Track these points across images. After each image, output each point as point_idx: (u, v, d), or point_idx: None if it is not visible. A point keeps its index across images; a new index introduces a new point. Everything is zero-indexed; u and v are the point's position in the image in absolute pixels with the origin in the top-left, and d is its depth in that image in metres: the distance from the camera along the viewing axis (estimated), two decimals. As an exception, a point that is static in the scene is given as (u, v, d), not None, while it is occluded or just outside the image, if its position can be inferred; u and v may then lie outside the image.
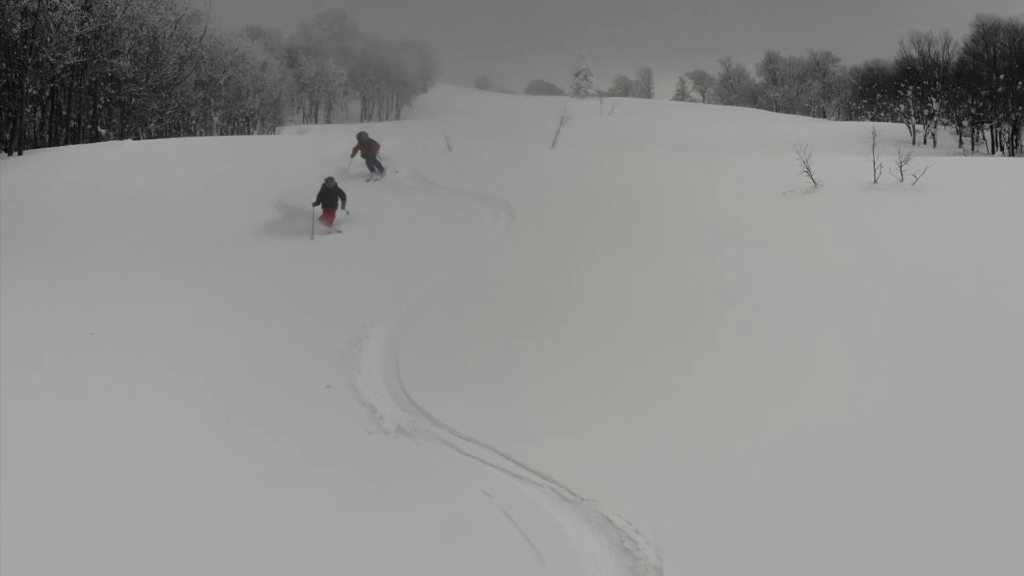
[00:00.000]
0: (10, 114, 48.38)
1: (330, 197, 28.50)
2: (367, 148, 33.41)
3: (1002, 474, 9.71)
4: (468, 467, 13.58)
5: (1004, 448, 10.41)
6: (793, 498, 11.40)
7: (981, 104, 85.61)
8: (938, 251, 19.01)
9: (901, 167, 26.29)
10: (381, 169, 33.45)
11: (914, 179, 25.62)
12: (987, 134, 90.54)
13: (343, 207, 28.52)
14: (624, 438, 13.53)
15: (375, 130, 44.91)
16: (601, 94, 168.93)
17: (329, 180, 28.91)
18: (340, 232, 27.80)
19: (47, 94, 55.97)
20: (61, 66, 51.21)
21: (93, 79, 59.53)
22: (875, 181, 26.20)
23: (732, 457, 12.55)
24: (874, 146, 26.93)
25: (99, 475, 14.16)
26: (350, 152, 33.87)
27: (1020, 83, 75.16)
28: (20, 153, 44.65)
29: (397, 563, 11.40)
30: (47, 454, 14.84)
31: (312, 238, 27.21)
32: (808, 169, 26.63)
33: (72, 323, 20.93)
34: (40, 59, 49.12)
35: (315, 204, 28.34)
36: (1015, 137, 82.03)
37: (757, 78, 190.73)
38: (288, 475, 14.00)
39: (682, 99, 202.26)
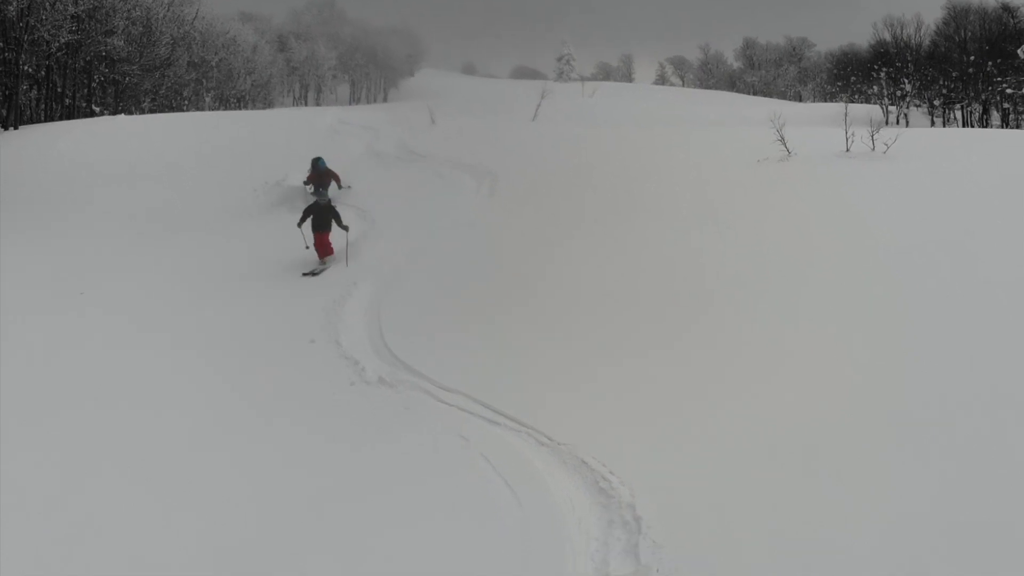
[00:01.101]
0: (7, 91, 48.16)
1: (322, 217, 22.22)
2: (322, 179, 26.09)
3: (981, 451, 9.57)
4: (447, 414, 13.60)
5: (984, 426, 10.22)
6: (765, 448, 11.37)
7: (952, 85, 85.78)
8: (909, 215, 18.86)
9: (872, 136, 26.20)
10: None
11: (885, 147, 25.53)
12: (958, 114, 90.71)
13: (342, 227, 22.13)
14: (600, 390, 13.46)
15: (362, 113, 44.31)
16: (583, 79, 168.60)
17: (321, 196, 23.06)
18: (322, 271, 21.47)
19: (43, 72, 55.77)
20: (56, 44, 50.93)
21: (88, 58, 59.33)
22: (847, 150, 26.10)
23: (706, 406, 12.50)
24: (846, 116, 26.87)
25: (94, 414, 14.44)
26: (304, 178, 26.90)
27: (990, 64, 75.23)
28: (16, 128, 44.52)
29: (378, 497, 11.48)
30: (43, 401, 14.97)
31: (314, 272, 21.39)
32: (782, 138, 26.52)
33: (65, 284, 20.89)
34: (36, 36, 48.87)
35: (301, 222, 22.28)
36: (985, 117, 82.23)
37: (735, 63, 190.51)
38: (271, 418, 14.14)
39: (662, 83, 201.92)
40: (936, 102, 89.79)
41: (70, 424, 14.15)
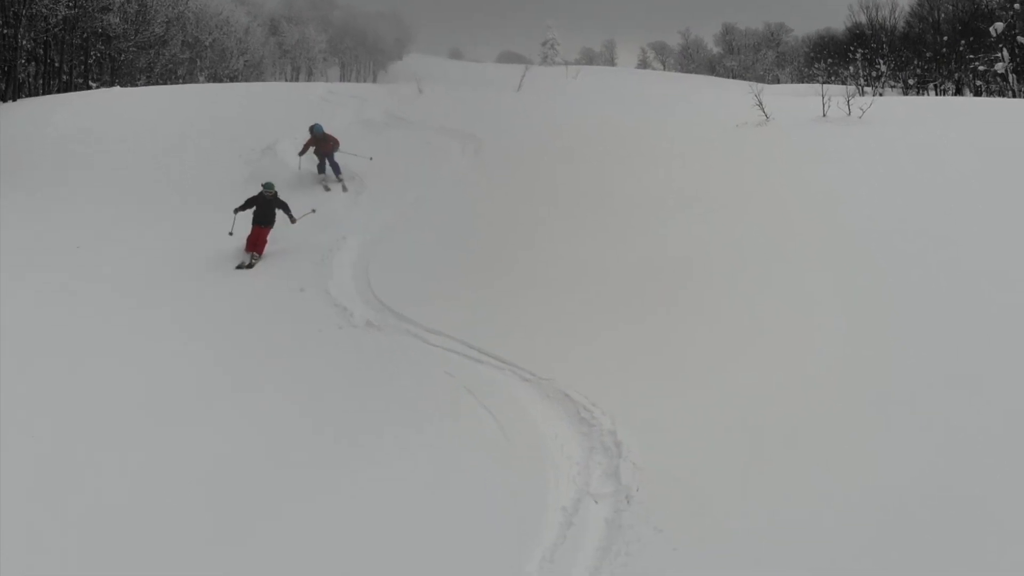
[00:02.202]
0: (5, 66, 47.95)
1: (266, 210, 20.13)
2: (321, 144, 24.86)
3: (957, 430, 9.48)
4: (433, 354, 13.66)
5: (959, 404, 10.10)
6: (740, 391, 11.43)
7: (926, 65, 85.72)
8: (884, 180, 18.75)
9: (848, 101, 26.22)
10: (337, 172, 24.77)
11: (861, 112, 25.52)
12: (931, 93, 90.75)
13: (291, 221, 20.40)
14: (581, 337, 13.43)
15: (351, 87, 44.05)
16: (567, 63, 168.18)
17: (268, 186, 20.61)
18: (252, 266, 19.07)
19: (41, 49, 55.53)
20: (54, 19, 50.65)
21: (84, 35, 59.06)
22: (824, 115, 26.09)
23: (685, 355, 12.47)
24: (822, 83, 26.86)
25: (89, 351, 14.55)
26: (299, 149, 25.45)
27: (962, 44, 75.16)
28: (15, 100, 44.29)
29: (367, 421, 11.70)
30: (40, 348, 14.94)
31: (249, 265, 19.15)
32: (760, 103, 26.48)
33: (60, 242, 20.80)
34: (34, 11, 48.61)
35: (239, 210, 20.11)
36: (958, 95, 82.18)
37: (715, 48, 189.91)
38: (263, 358, 14.22)
39: (644, 68, 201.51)
40: (911, 81, 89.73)
41: (64, 368, 14.13)
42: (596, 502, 9.25)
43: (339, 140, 25.10)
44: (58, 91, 55.07)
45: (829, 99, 26.10)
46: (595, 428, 10.71)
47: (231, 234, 19.73)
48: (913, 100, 36.19)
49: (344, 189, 23.96)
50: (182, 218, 22.25)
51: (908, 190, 17.59)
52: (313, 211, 21.03)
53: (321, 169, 24.89)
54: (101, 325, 15.82)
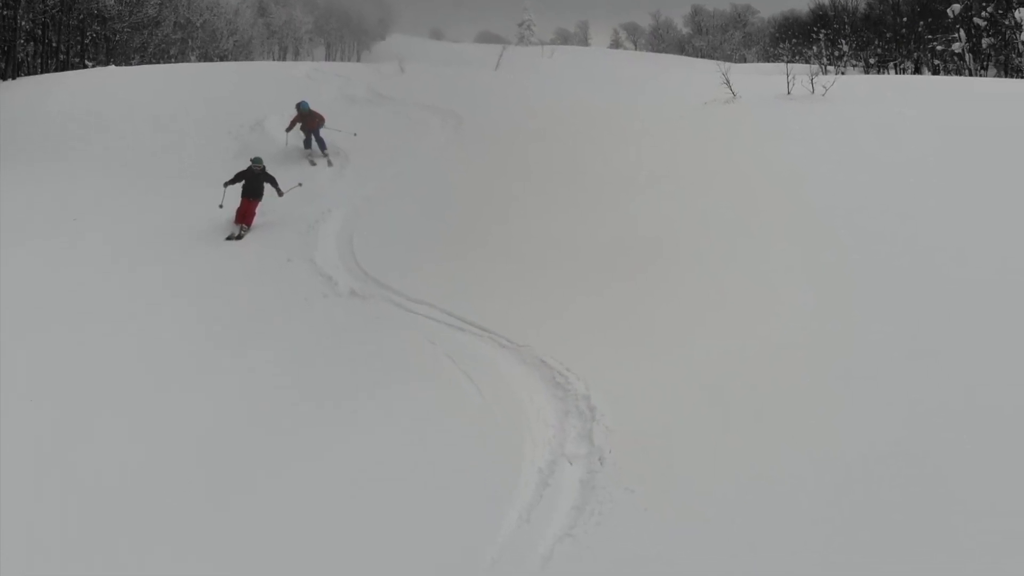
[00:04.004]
0: (4, 45, 47.61)
1: (254, 184, 19.90)
2: (308, 121, 24.51)
3: (917, 398, 9.45)
4: (414, 322, 13.61)
5: (917, 373, 10.05)
6: (709, 360, 11.43)
7: (886, 45, 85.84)
8: (847, 153, 18.69)
9: (812, 80, 26.22)
10: (323, 147, 24.34)
11: (824, 90, 25.51)
12: (891, 73, 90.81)
13: (279, 194, 20.14)
14: (555, 303, 13.40)
15: (335, 65, 43.78)
16: (543, 43, 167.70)
17: (256, 161, 20.42)
18: (241, 237, 18.93)
19: (39, 29, 55.16)
20: (52, 0, 50.24)
21: (81, 16, 58.73)
22: (788, 93, 26.05)
23: (655, 325, 12.40)
24: (787, 63, 26.82)
25: (84, 317, 14.60)
26: (286, 125, 24.99)
27: (921, 24, 75.25)
28: (14, 78, 43.96)
29: (351, 386, 11.68)
30: (36, 314, 14.95)
31: (238, 236, 19.00)
32: (727, 81, 26.43)
33: (58, 209, 20.85)
34: (32, -9, 48.46)
35: (229, 184, 19.82)
36: (917, 74, 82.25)
37: (684, 29, 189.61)
38: (249, 324, 14.29)
39: (616, 48, 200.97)
40: (871, 61, 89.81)
41: (60, 333, 14.14)
42: (571, 464, 9.23)
43: (325, 116, 24.80)
44: (55, 70, 54.75)
45: (793, 77, 26.03)
46: (569, 393, 10.69)
47: (221, 207, 19.52)
48: (874, 78, 36.24)
49: (329, 164, 23.63)
50: (174, 191, 22.05)
51: (870, 167, 17.52)
52: (299, 184, 20.76)
53: (308, 144, 24.51)
54: (95, 292, 15.79)
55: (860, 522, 7.52)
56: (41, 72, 53.86)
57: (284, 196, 20.26)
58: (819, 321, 11.51)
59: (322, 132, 24.51)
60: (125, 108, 29.77)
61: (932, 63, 74.90)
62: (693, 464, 8.85)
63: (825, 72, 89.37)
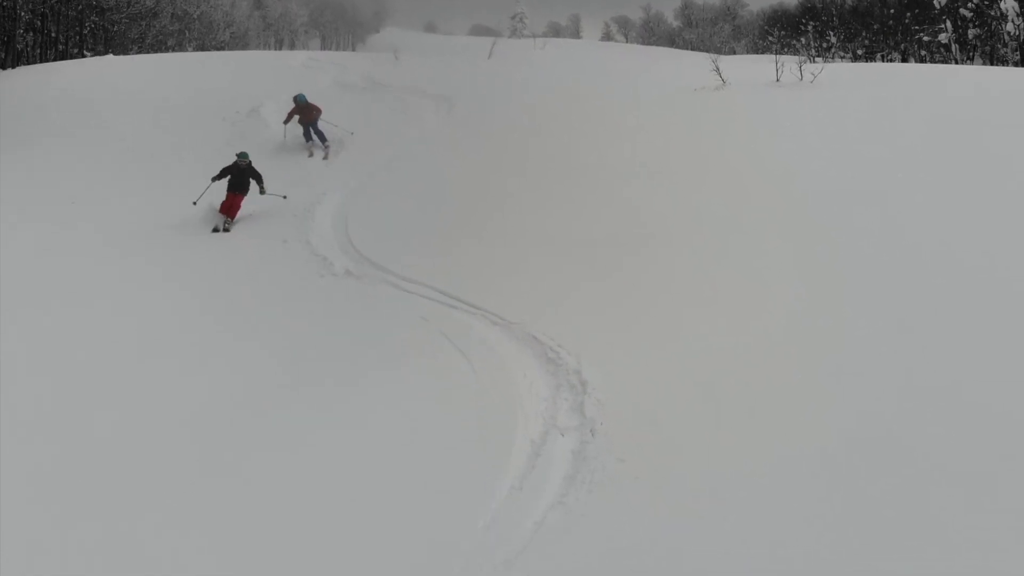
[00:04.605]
0: (5, 35, 47.52)
1: (240, 178, 19.51)
2: (305, 113, 24.05)
3: (897, 385, 9.41)
4: (408, 300, 13.63)
5: (899, 361, 10.01)
6: (698, 337, 11.42)
7: (873, 37, 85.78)
8: (835, 138, 18.65)
9: (800, 67, 26.22)
10: (323, 139, 23.88)
11: (812, 77, 25.54)
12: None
13: (261, 191, 19.63)
14: (549, 284, 13.31)
15: (331, 55, 43.63)
16: (535, 35, 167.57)
17: (242, 155, 20.01)
18: (228, 230, 18.53)
19: (39, 20, 55.05)
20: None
21: (80, 7, 58.68)
22: (777, 80, 26.06)
23: (645, 306, 12.37)
24: (776, 52, 26.84)
25: (81, 297, 14.68)
26: (284, 117, 24.67)
27: (908, 16, 75.20)
28: (14, 67, 43.88)
29: (347, 360, 11.77)
30: (35, 294, 15.00)
31: (224, 228, 18.62)
32: (717, 68, 26.44)
33: (56, 193, 20.89)
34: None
35: (215, 179, 19.57)
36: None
37: (674, 22, 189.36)
38: (245, 301, 14.38)
39: (607, 41, 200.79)
40: (859, 52, 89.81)
41: (57, 312, 14.21)
42: (562, 435, 9.24)
43: (322, 108, 24.42)
44: (54, 60, 54.60)
45: (782, 64, 26.05)
46: (561, 367, 10.67)
47: (195, 204, 19.20)
48: (861, 66, 36.17)
49: (325, 158, 23.19)
50: (172, 175, 22.00)
51: (857, 154, 17.45)
52: (284, 197, 19.79)
53: (307, 137, 24.03)
54: (92, 272, 15.85)
55: (851, 517, 7.46)
56: (40, 62, 53.72)
57: (265, 195, 19.69)
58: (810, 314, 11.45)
59: (320, 124, 24.13)
60: (123, 95, 29.80)
61: (919, 54, 74.89)
62: (683, 436, 8.85)
63: (813, 62, 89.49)
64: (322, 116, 24.24)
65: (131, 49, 67.15)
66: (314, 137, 24.08)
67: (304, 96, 24.38)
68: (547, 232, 15.49)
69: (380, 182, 20.09)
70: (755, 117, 21.54)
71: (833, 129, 19.79)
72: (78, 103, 29.16)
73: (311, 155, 23.60)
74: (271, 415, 10.53)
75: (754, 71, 28.68)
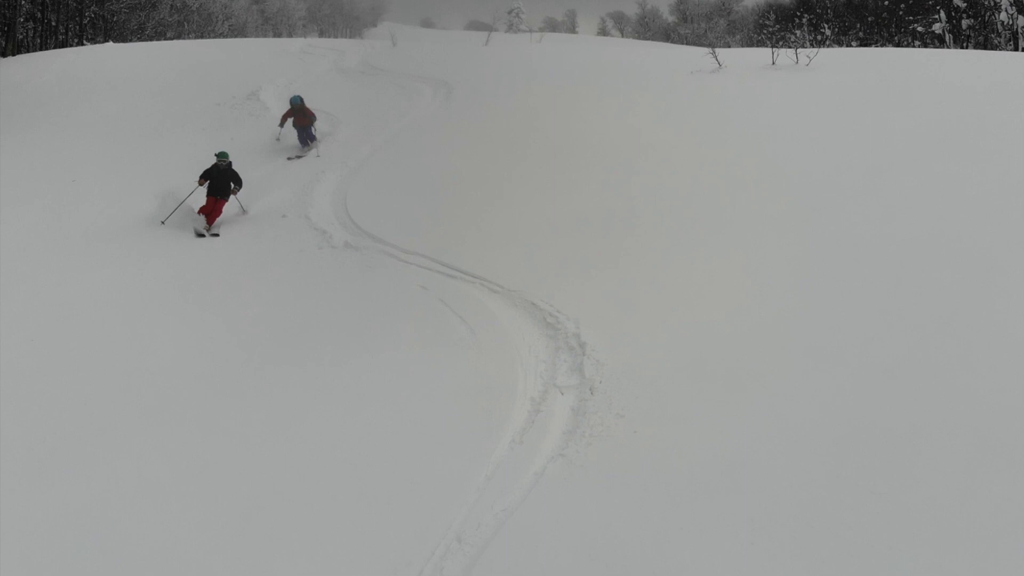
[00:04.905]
0: (5, 24, 47.49)
1: (220, 181, 18.36)
2: (299, 117, 23.05)
3: (875, 372, 9.32)
4: (408, 270, 13.66)
5: (885, 350, 9.93)
6: (692, 305, 11.48)
7: (867, 29, 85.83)
8: (827, 127, 18.62)
9: (796, 51, 26.20)
10: (313, 140, 22.92)
11: (808, 60, 25.51)
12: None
13: (234, 191, 18.49)
14: (547, 256, 13.35)
15: (327, 46, 43.49)
16: (531, 30, 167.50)
17: (221, 156, 18.85)
18: (217, 235, 17.08)
19: (39, 10, 55.04)
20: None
21: (79, -4, 58.78)
22: (773, 63, 26.04)
23: (642, 275, 12.39)
24: (772, 34, 26.79)
25: (80, 267, 14.80)
26: (279, 120, 23.43)
27: (902, 6, 75.23)
28: (15, 55, 43.83)
29: (349, 327, 11.83)
30: (36, 267, 15.10)
31: (208, 233, 17.26)
32: (713, 52, 26.43)
33: (56, 173, 20.90)
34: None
35: (202, 181, 18.32)
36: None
37: (670, 17, 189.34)
38: (249, 273, 14.50)
39: (603, 36, 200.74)
40: (853, 44, 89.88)
41: (55, 281, 14.29)
42: (562, 393, 9.28)
43: (315, 115, 23.34)
44: (55, 49, 54.57)
45: (778, 48, 26.04)
46: (560, 331, 10.72)
47: (163, 223, 17.67)
48: (857, 50, 36.03)
49: (317, 155, 22.35)
50: (172, 155, 21.98)
51: (851, 136, 17.38)
52: (245, 212, 18.34)
53: (303, 142, 22.90)
54: (90, 247, 15.86)
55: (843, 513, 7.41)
56: (40, 50, 53.67)
57: (239, 194, 18.61)
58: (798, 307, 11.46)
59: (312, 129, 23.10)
60: (122, 80, 29.79)
61: (913, 45, 74.86)
62: (680, 394, 8.89)
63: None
64: (315, 122, 23.34)
65: (130, 39, 67.09)
66: (306, 142, 23.03)
67: (299, 98, 23.70)
68: (545, 209, 15.47)
69: (378, 160, 20.05)
70: (751, 98, 21.51)
71: (828, 109, 19.77)
72: (79, 87, 29.33)
73: (300, 157, 22.15)
74: (274, 372, 10.63)
75: (749, 56, 28.66)
